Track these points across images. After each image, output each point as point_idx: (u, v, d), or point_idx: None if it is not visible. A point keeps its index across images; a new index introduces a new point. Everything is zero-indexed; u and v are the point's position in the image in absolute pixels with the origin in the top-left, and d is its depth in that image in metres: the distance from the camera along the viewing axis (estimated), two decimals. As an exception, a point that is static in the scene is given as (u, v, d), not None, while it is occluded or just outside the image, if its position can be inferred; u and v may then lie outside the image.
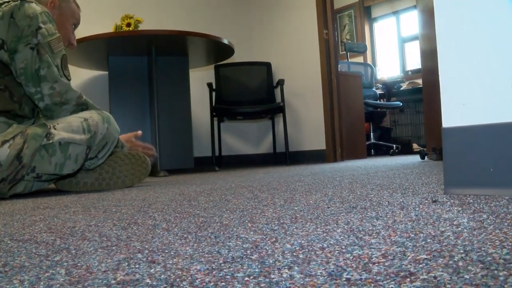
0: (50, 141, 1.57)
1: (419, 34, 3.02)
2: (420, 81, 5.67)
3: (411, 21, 6.49)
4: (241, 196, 1.18)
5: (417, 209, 0.76)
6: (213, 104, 3.94)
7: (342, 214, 0.76)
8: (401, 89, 5.90)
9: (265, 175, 2.32)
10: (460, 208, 0.73)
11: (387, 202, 0.86)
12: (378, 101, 5.68)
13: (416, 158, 3.15)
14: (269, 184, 1.59)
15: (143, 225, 0.76)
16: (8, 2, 1.63)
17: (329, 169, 2.53)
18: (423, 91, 2.98)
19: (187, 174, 2.92)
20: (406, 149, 5.35)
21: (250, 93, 4.23)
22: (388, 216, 0.70)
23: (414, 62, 6.35)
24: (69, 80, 1.72)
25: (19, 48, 1.59)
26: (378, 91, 5.98)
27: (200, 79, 4.21)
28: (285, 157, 4.10)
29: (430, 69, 2.78)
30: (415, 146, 5.38)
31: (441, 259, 0.42)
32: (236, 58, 4.23)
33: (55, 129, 1.60)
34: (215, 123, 4.05)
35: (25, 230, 0.79)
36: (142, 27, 3.35)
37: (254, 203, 0.99)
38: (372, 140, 5.39)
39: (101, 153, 1.73)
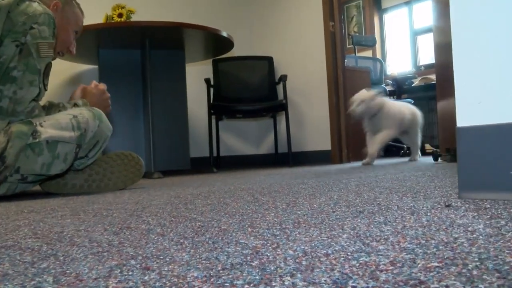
0: (37, 140, 1.57)
1: (433, 26, 3.02)
2: (433, 77, 5.67)
3: (425, 12, 6.49)
4: (241, 199, 1.18)
5: (428, 214, 0.76)
6: (211, 101, 3.94)
7: (348, 219, 0.76)
8: (413, 85, 5.90)
9: (266, 177, 2.32)
10: (475, 213, 0.73)
11: (396, 207, 0.87)
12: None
13: (429, 159, 3.15)
14: (271, 186, 1.59)
15: (136, 230, 0.77)
16: None
17: (334, 171, 2.54)
18: (437, 88, 2.98)
19: (183, 176, 2.92)
20: (418, 150, 5.34)
21: (251, 90, 4.23)
22: (397, 221, 0.70)
23: (427, 56, 6.35)
24: (45, 90, 1.71)
25: (5, 42, 1.59)
26: (388, 88, 5.98)
27: (197, 74, 4.21)
28: (287, 158, 4.10)
29: (445, 64, 2.78)
30: (427, 146, 5.38)
31: (454, 267, 0.42)
32: (235, 52, 4.23)
33: (41, 126, 1.60)
34: (213, 121, 4.06)
35: (8, 235, 0.79)
36: (135, 18, 3.35)
37: (254, 207, 1.00)
38: (382, 140, 5.39)
39: (91, 152, 1.74)
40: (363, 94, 3.25)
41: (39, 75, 1.65)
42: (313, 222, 0.75)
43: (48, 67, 1.70)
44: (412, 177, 1.66)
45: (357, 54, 5.62)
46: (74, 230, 0.80)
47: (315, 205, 0.97)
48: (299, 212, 0.88)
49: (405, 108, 3.46)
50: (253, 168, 3.96)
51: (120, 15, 3.33)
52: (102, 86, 1.96)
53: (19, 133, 1.56)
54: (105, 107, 1.94)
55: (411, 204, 0.89)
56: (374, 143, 3.23)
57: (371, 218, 0.75)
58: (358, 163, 3.73)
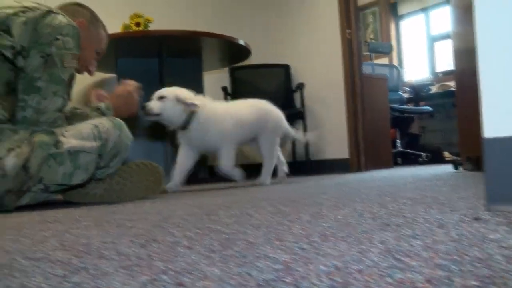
0: (59, 150, 1.59)
1: (452, 32, 2.99)
2: (452, 83, 5.63)
3: (442, 18, 6.44)
4: (263, 210, 1.18)
5: (457, 227, 0.75)
6: (228, 109, 3.95)
7: (375, 232, 0.76)
8: (431, 92, 5.86)
9: (285, 186, 2.32)
10: (507, 228, 0.73)
11: (422, 219, 0.86)
12: (405, 106, 5.65)
13: (448, 168, 3.11)
14: (292, 196, 1.59)
15: (163, 242, 0.77)
16: (34, 9, 1.67)
17: (354, 180, 2.52)
18: (457, 95, 2.95)
19: (202, 184, 2.93)
20: (436, 158, 5.30)
21: (268, 98, 4.20)
22: (426, 235, 0.70)
23: (445, 63, 6.30)
24: (69, 99, 1.74)
25: (31, 54, 1.63)
26: (405, 95, 5.95)
27: (214, 83, 4.22)
28: (305, 166, 4.09)
29: (465, 70, 2.75)
30: (446, 154, 5.33)
31: (493, 287, 0.42)
32: (252, 60, 4.24)
33: (64, 136, 1.63)
34: (230, 129, 4.06)
35: (37, 247, 0.80)
36: (152, 27, 3.37)
37: (278, 218, 0.99)
38: (399, 148, 5.36)
39: (112, 162, 1.75)
40: (174, 90, 2.29)
41: (63, 86, 1.67)
42: (340, 235, 0.75)
43: (72, 77, 1.73)
44: (434, 186, 1.64)
45: (373, 61, 5.60)
46: (100, 242, 0.80)
47: (339, 217, 0.96)
48: (324, 225, 0.87)
49: (248, 107, 2.53)
50: (271, 176, 3.95)
51: (137, 24, 3.36)
52: (130, 87, 1.99)
53: (42, 143, 1.59)
54: (130, 110, 1.96)
55: (438, 217, 0.88)
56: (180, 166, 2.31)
57: (399, 232, 0.75)
58: (376, 172, 3.71)
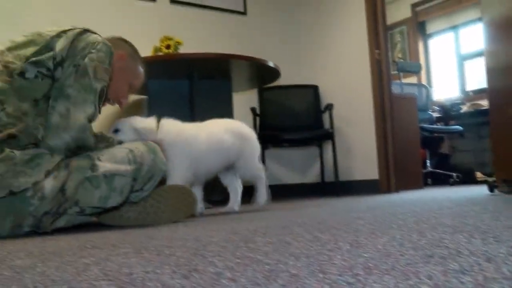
0: (95, 173, 1.62)
1: (485, 50, 2.95)
2: (483, 102, 5.55)
3: (472, 36, 6.38)
4: (300, 237, 1.18)
5: (507, 262, 0.73)
6: (257, 130, 3.97)
7: (419, 265, 0.74)
8: (461, 111, 5.78)
9: (317, 209, 2.31)
10: (558, 262, 0.71)
11: (467, 251, 0.84)
12: (434, 125, 5.58)
13: (482, 189, 3.05)
14: (326, 221, 1.57)
15: (205, 273, 0.77)
16: (73, 28, 1.75)
17: (386, 203, 2.49)
18: (490, 114, 2.90)
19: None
20: (468, 178, 5.21)
21: (296, 119, 4.24)
22: (475, 270, 0.68)
23: (476, 81, 6.22)
24: (98, 112, 1.74)
25: (65, 65, 1.67)
26: (435, 114, 5.88)
27: (243, 103, 4.25)
28: (334, 187, 4.07)
29: (499, 88, 2.71)
30: (478, 175, 5.23)
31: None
32: (281, 80, 4.26)
33: (100, 160, 1.66)
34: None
35: (81, 276, 0.81)
36: (182, 49, 3.43)
37: (317, 247, 0.99)
38: (429, 168, 5.29)
39: (146, 186, 1.77)
40: (128, 120, 2.06)
41: (94, 95, 1.69)
42: (384, 267, 0.74)
43: (103, 91, 1.74)
44: (471, 212, 1.61)
45: (402, 80, 5.57)
46: (142, 272, 0.81)
47: (379, 246, 0.95)
48: (365, 255, 0.86)
49: (221, 129, 2.29)
50: (299, 197, 3.95)
51: (168, 47, 3.41)
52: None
53: (78, 167, 1.62)
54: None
55: (484, 249, 0.86)
56: None
57: (444, 265, 0.73)
58: (407, 193, 3.66)
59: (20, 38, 1.72)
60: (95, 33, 1.80)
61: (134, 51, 2.05)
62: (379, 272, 0.71)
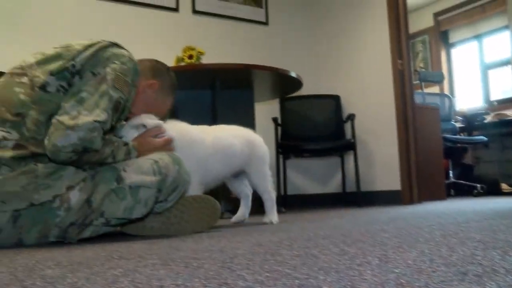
0: (120, 185, 1.63)
1: (512, 59, 2.91)
2: (508, 112, 5.46)
3: (497, 44, 6.30)
4: (327, 250, 1.17)
5: (545, 280, 0.72)
6: (279, 140, 3.97)
7: (454, 283, 0.73)
8: (485, 121, 5.70)
9: (340, 220, 2.29)
10: None
11: (503, 269, 0.82)
12: (457, 136, 5.51)
13: (508, 201, 3.00)
14: (350, 233, 1.56)
15: (236, 287, 0.77)
16: (102, 41, 1.74)
17: (409, 214, 2.46)
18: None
19: (252, 216, 2.93)
20: (493, 189, 5.12)
21: (318, 129, 4.23)
22: (512, 289, 0.67)
23: (501, 91, 6.13)
24: (111, 124, 1.65)
25: (82, 70, 1.64)
26: (458, 124, 5.81)
27: (265, 113, 4.26)
28: (355, 197, 4.04)
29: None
30: (504, 186, 5.14)
31: None
32: (302, 90, 4.26)
33: (125, 171, 1.66)
34: (281, 160, 4.07)
35: None
36: (204, 59, 3.46)
37: (345, 261, 0.98)
38: (452, 179, 5.22)
39: (171, 197, 1.78)
40: (144, 118, 1.88)
41: (109, 102, 1.61)
42: (417, 284, 0.73)
43: (120, 103, 1.67)
44: (501, 226, 1.58)
45: (424, 90, 5.52)
46: (173, 285, 0.81)
47: (409, 261, 0.94)
48: (396, 271, 0.85)
49: (230, 135, 2.20)
50: (320, 208, 3.92)
51: (190, 57, 3.44)
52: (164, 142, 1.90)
53: (104, 179, 1.63)
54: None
55: (518, 265, 0.84)
56: None
57: (481, 283, 0.72)
58: (430, 204, 3.61)
59: (50, 51, 1.71)
60: (123, 48, 1.79)
61: (172, 84, 2.02)
62: (412, 289, 0.70)
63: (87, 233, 1.64)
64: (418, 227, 1.69)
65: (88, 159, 1.61)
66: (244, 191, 2.36)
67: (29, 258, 1.26)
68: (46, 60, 1.67)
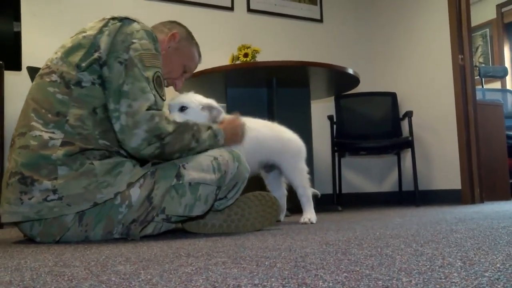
0: (180, 182, 1.63)
1: None
2: None
3: None
4: (400, 250, 1.11)
5: None
6: (334, 138, 3.90)
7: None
8: (553, 118, 5.41)
9: (401, 219, 2.21)
10: None
11: None
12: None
13: None
14: (419, 232, 1.50)
15: (316, 288, 0.73)
16: (113, 19, 1.71)
17: (474, 214, 2.35)
18: None
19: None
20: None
21: (374, 126, 4.13)
22: None
23: None
24: (162, 100, 1.66)
25: (109, 62, 1.63)
26: (521, 122, 5.54)
27: (320, 111, 4.21)
28: (412, 196, 3.93)
29: None
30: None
31: None
32: (358, 88, 4.18)
33: (184, 168, 1.66)
34: (336, 158, 4.00)
35: (188, 286, 0.79)
36: (260, 57, 3.44)
37: (425, 262, 0.92)
38: (516, 179, 4.97)
39: (230, 194, 1.77)
40: (194, 96, 1.94)
41: (149, 83, 1.61)
42: (515, 289, 0.67)
43: (159, 77, 1.66)
44: None
45: (484, 86, 5.30)
46: (250, 285, 0.78)
47: (498, 265, 0.88)
48: (486, 274, 0.79)
49: (267, 129, 2.19)
50: (376, 206, 3.83)
51: (245, 55, 3.43)
52: (239, 120, 1.98)
53: (164, 175, 1.63)
54: (235, 141, 1.93)
55: None
56: None
57: None
58: (493, 204, 3.45)
59: (68, 42, 1.71)
60: (134, 20, 1.73)
61: (188, 33, 2.01)
62: (511, 295, 0.64)
63: (149, 230, 1.65)
64: (492, 228, 1.60)
65: (171, 149, 1.63)
66: (279, 190, 2.34)
67: (99, 254, 1.27)
68: (68, 53, 1.66)
